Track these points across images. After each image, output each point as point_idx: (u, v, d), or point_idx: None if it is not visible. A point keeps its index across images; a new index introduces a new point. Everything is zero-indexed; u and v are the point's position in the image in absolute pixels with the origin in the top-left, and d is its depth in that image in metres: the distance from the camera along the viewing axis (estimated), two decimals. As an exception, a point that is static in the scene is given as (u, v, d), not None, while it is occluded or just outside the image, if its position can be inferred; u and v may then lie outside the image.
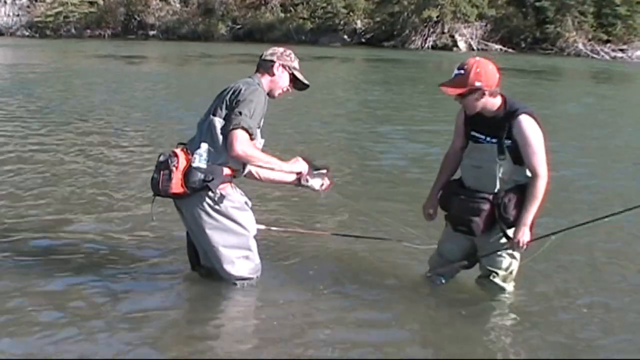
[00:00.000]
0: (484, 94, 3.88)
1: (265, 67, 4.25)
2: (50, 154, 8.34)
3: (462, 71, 3.90)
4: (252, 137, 3.98)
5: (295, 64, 4.32)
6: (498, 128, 3.93)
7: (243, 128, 3.91)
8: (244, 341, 3.86)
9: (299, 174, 4.29)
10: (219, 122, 4.03)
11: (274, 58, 4.25)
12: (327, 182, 4.43)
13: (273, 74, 4.23)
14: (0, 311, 3.95)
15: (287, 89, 4.34)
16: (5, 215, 5.75)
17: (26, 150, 8.44)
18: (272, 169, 4.18)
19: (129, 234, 5.36)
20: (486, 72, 3.89)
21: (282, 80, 4.27)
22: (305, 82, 4.37)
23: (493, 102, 3.94)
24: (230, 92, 4.07)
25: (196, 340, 3.77)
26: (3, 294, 4.18)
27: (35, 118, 11.10)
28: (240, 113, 3.93)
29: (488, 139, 3.99)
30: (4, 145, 8.74)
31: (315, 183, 4.36)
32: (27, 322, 3.83)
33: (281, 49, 4.34)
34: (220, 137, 4.03)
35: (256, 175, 4.27)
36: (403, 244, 4.84)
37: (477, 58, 3.97)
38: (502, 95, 3.97)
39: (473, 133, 4.06)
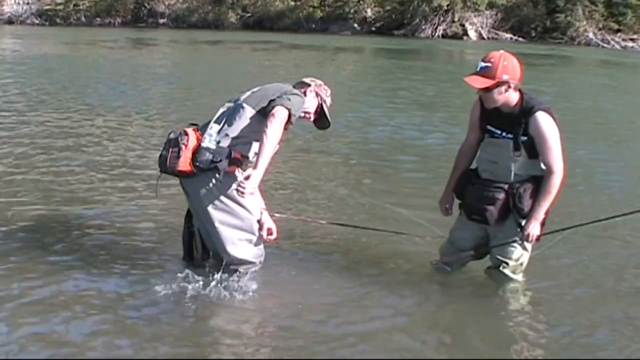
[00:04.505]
0: (509, 87, 3.92)
1: (301, 86, 4.36)
2: (59, 141, 8.40)
3: (488, 64, 3.92)
4: (290, 122, 4.01)
5: (328, 100, 4.41)
6: (514, 124, 3.98)
7: (288, 109, 3.95)
8: (248, 338, 3.82)
9: (243, 188, 3.91)
10: (250, 112, 4.09)
11: (312, 83, 4.37)
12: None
13: (305, 95, 4.30)
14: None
15: (309, 117, 4.38)
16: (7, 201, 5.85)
17: (37, 138, 8.49)
18: (255, 162, 3.95)
19: (136, 224, 5.36)
20: (512, 65, 3.94)
21: (309, 105, 4.33)
22: (329, 119, 4.43)
23: (513, 97, 3.98)
24: (274, 89, 4.13)
25: (197, 337, 3.75)
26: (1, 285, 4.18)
27: (47, 105, 11.13)
28: (289, 99, 4.00)
29: (504, 134, 4.04)
30: (17, 131, 8.80)
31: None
32: (23, 321, 3.76)
33: (321, 82, 4.45)
34: (243, 121, 4.07)
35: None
36: (414, 237, 4.86)
37: (501, 51, 3.98)
38: (520, 91, 4.01)
39: (489, 127, 4.11)
